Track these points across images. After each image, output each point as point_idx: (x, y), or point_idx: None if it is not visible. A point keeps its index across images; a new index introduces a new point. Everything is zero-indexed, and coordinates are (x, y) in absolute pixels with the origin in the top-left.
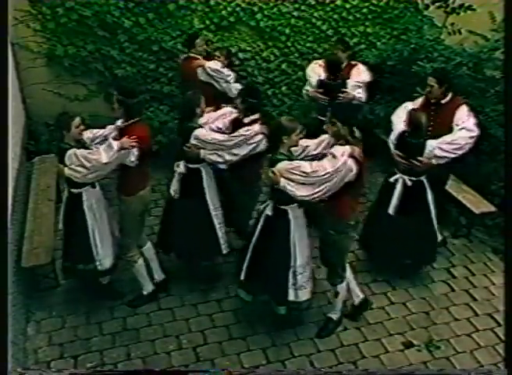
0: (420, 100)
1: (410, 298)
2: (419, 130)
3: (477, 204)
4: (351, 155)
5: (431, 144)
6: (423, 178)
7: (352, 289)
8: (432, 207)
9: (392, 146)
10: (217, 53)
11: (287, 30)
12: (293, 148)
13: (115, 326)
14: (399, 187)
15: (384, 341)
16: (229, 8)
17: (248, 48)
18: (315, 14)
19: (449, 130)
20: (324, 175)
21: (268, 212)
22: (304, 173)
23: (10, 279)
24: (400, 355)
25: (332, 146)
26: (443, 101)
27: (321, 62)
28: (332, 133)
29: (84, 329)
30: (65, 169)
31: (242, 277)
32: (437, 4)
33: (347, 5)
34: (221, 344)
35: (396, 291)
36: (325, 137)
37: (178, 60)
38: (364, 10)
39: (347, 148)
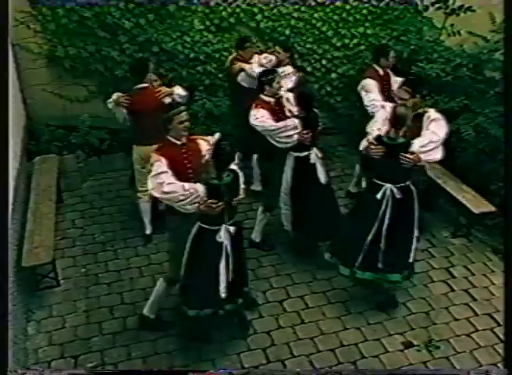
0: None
1: (410, 298)
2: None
3: (477, 204)
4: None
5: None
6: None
7: None
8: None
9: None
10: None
11: (287, 31)
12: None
13: (115, 325)
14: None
15: (384, 340)
16: (229, 10)
17: None
18: (315, 15)
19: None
20: (444, 136)
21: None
22: (432, 142)
23: (10, 278)
24: (399, 355)
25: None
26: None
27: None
28: (412, 104)
29: (84, 328)
30: None
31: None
32: (437, 5)
33: (347, 7)
34: (221, 344)
35: (396, 291)
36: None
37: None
38: (364, 11)
39: (433, 111)
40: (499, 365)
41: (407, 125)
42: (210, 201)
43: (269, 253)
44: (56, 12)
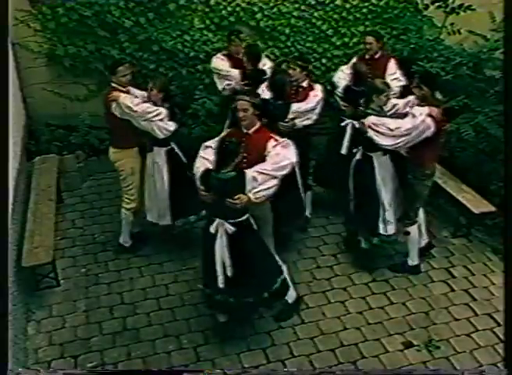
0: (355, 58)
1: (410, 298)
2: (362, 79)
3: (476, 204)
4: (429, 115)
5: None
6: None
7: (422, 232)
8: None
9: (339, 99)
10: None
11: (287, 30)
12: (384, 106)
13: (115, 325)
14: (349, 130)
15: (384, 340)
16: (229, 8)
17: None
18: (315, 14)
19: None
20: (404, 131)
21: (358, 156)
22: (388, 128)
23: (10, 278)
24: (399, 355)
25: (413, 106)
26: (376, 56)
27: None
28: (419, 95)
29: (84, 328)
30: None
31: None
32: (437, 4)
33: (347, 5)
34: (221, 343)
35: (396, 291)
36: (411, 97)
37: None
38: (364, 10)
39: (425, 109)
40: (499, 365)
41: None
42: (200, 187)
43: None
44: (56, 10)
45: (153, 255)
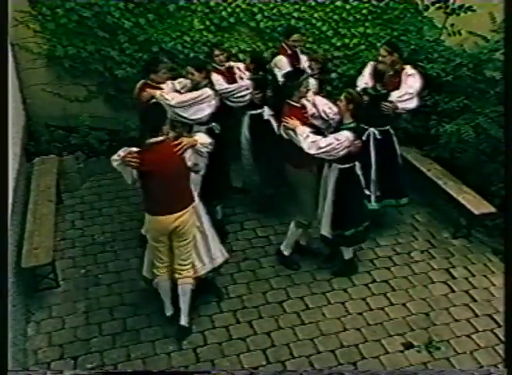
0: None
1: (410, 299)
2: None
3: (477, 205)
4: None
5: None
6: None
7: None
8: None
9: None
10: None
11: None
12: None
13: (115, 326)
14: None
15: (384, 341)
16: (229, 9)
17: (248, 49)
18: (315, 15)
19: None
20: (418, 89)
21: (378, 135)
22: (410, 93)
23: (10, 279)
24: (399, 356)
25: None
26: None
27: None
28: (390, 61)
29: (84, 329)
30: None
31: None
32: (437, 5)
33: (347, 6)
34: (221, 345)
35: (396, 292)
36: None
37: None
38: (364, 11)
39: (409, 68)
40: (499, 366)
41: (386, 78)
42: (357, 142)
43: (269, 254)
44: (56, 11)
45: None
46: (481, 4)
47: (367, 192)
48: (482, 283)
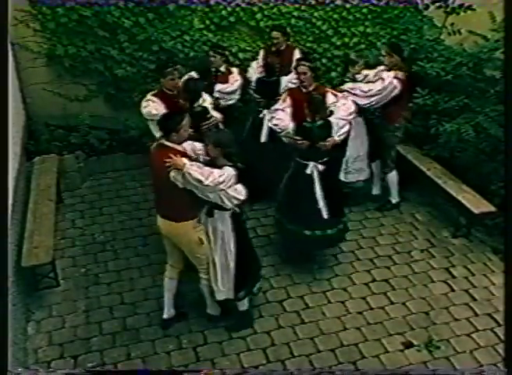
0: (262, 51)
1: (410, 298)
2: (272, 71)
3: (477, 204)
4: (395, 77)
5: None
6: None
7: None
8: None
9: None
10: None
11: (287, 30)
12: (356, 75)
13: (115, 325)
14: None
15: (384, 341)
16: (229, 9)
17: (248, 48)
18: (315, 14)
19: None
20: (376, 92)
21: None
22: (362, 91)
23: (10, 278)
24: (399, 355)
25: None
26: (282, 48)
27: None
28: (389, 62)
29: (84, 329)
30: None
31: None
32: (437, 4)
33: (347, 5)
34: (221, 344)
35: (396, 291)
36: (380, 68)
37: None
38: (364, 10)
39: (391, 73)
40: (499, 365)
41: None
42: (296, 138)
43: (269, 253)
44: (56, 11)
45: (153, 254)
46: (481, 3)
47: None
48: (482, 283)
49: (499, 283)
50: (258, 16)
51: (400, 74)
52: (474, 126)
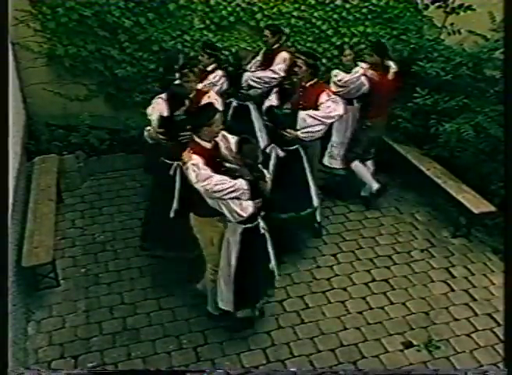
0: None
1: (410, 298)
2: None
3: (476, 204)
4: (364, 74)
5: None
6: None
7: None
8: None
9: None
10: None
11: (287, 30)
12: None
13: (115, 325)
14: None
15: (384, 340)
16: (229, 8)
17: (248, 48)
18: (315, 14)
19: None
20: (343, 83)
21: None
22: (337, 79)
23: (10, 278)
24: (399, 355)
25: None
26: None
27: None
28: (370, 61)
29: (84, 329)
30: None
31: None
32: (437, 4)
33: (347, 5)
34: (221, 344)
35: (396, 291)
36: (362, 64)
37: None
38: (364, 10)
39: (360, 70)
40: (499, 365)
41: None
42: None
43: None
44: (56, 10)
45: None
46: (480, 3)
47: None
48: (482, 282)
49: (498, 283)
50: (258, 15)
51: (370, 73)
52: (474, 126)
